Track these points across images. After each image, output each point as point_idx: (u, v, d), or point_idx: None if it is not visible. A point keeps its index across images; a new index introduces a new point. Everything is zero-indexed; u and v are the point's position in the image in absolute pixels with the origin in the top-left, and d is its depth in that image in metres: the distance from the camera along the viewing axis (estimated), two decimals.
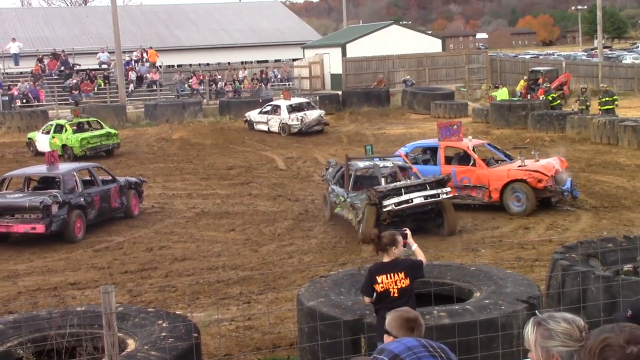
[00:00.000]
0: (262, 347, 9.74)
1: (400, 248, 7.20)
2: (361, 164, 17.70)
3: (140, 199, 19.46)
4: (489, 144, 19.75)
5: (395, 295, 7.05)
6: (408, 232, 7.38)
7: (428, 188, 15.79)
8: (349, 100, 40.72)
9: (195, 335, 7.77)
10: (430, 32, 58.57)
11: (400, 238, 7.19)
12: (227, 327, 10.77)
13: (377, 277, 7.13)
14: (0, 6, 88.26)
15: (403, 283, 7.08)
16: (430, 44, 51.25)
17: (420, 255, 7.42)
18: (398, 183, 16.27)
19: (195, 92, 44.84)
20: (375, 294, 7.18)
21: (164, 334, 7.69)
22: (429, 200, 15.72)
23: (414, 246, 7.48)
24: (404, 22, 70.96)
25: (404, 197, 15.57)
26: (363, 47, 48.86)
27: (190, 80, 45.98)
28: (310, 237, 16.17)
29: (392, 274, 7.08)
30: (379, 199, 15.50)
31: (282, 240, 16.07)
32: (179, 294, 12.67)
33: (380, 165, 17.44)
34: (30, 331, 8.06)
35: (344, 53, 49.01)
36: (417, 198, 15.61)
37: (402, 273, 7.09)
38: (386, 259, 7.18)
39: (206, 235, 16.75)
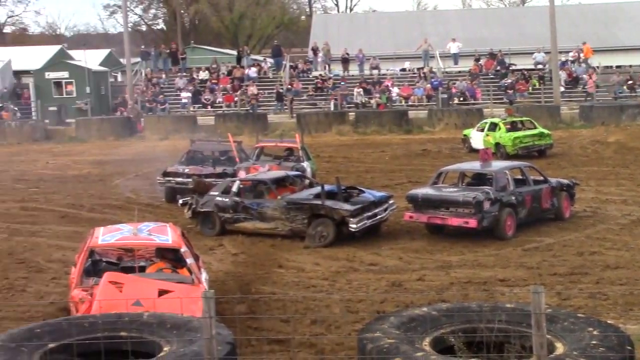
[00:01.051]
0: None
1: None
2: None
3: (572, 201, 19.07)
4: None
5: None
6: None
7: None
8: None
9: (629, 348, 7.41)
10: None
11: None
12: None
13: None
14: (443, 7, 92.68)
15: None
16: None
17: None
18: None
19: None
20: None
21: (594, 342, 7.43)
22: None
23: None
24: None
25: None
26: None
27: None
28: None
29: None
30: None
31: None
32: (610, 302, 12.17)
33: None
34: (461, 322, 8.26)
35: None
36: None
37: None
38: None
39: None
